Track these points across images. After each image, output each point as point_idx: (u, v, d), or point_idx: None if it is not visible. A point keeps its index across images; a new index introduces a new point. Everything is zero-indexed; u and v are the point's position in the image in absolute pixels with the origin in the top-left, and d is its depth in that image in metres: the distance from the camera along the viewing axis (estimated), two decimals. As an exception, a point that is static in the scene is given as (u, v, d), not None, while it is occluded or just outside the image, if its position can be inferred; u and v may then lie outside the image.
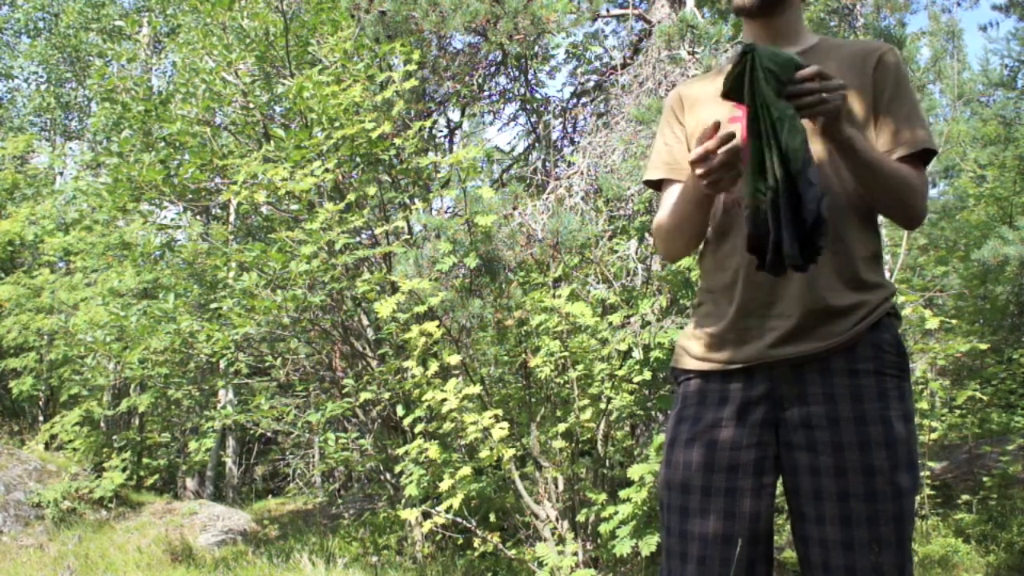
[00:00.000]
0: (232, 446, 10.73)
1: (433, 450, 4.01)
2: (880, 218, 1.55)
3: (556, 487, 4.20)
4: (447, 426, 3.89)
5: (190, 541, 6.08)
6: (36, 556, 5.64)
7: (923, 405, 5.22)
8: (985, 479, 5.43)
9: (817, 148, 1.42)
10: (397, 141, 5.02)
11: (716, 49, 4.42)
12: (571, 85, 7.73)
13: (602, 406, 3.98)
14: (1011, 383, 7.55)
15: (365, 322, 5.73)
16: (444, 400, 3.80)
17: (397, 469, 4.62)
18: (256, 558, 5.45)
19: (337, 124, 5.07)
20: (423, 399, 3.98)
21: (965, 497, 5.40)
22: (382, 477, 5.72)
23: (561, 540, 3.87)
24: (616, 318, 3.96)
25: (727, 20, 6.42)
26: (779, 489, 1.52)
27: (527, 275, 4.45)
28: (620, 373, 3.82)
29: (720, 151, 1.29)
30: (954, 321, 7.95)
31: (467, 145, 5.84)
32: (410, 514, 4.11)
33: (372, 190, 5.13)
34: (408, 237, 5.11)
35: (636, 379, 3.77)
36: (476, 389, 3.87)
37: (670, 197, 1.59)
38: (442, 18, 4.69)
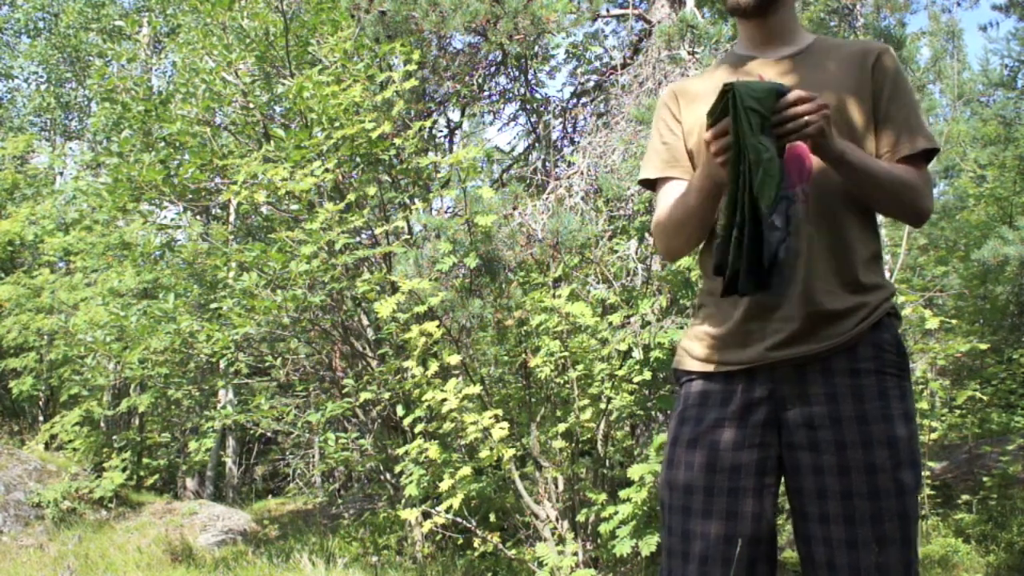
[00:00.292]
0: (232, 446, 10.73)
1: (433, 450, 4.01)
2: (880, 218, 1.55)
3: (556, 487, 4.21)
4: (447, 426, 3.89)
5: (190, 541, 6.08)
6: (36, 556, 5.64)
7: (923, 405, 5.22)
8: (985, 479, 5.44)
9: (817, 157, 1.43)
10: (397, 141, 5.02)
11: (716, 49, 4.42)
12: (571, 85, 7.74)
13: (602, 406, 3.98)
14: (1011, 383, 7.55)
15: (365, 322, 5.74)
16: (444, 400, 3.80)
17: (397, 469, 4.62)
18: (256, 558, 5.45)
19: (337, 124, 5.08)
20: (423, 399, 3.98)
21: (965, 497, 5.40)
22: (382, 477, 5.72)
23: (561, 540, 3.87)
24: (616, 318, 3.96)
25: (727, 20, 6.42)
26: (779, 489, 1.53)
27: (527, 275, 4.45)
28: (620, 373, 3.82)
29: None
30: (954, 321, 7.95)
31: (467, 145, 5.84)
32: (410, 514, 4.11)
33: (372, 190, 5.13)
34: (408, 237, 5.11)
35: (636, 379, 3.77)
36: (476, 389, 3.87)
37: (670, 194, 1.59)
38: (442, 18, 4.69)
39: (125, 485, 7.33)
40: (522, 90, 6.64)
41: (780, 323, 1.45)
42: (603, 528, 3.63)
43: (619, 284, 4.39)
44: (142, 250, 7.19)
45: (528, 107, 6.77)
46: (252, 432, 7.73)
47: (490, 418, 3.71)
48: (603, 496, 3.84)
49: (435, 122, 6.39)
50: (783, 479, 1.50)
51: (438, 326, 4.01)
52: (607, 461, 4.24)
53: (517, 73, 6.61)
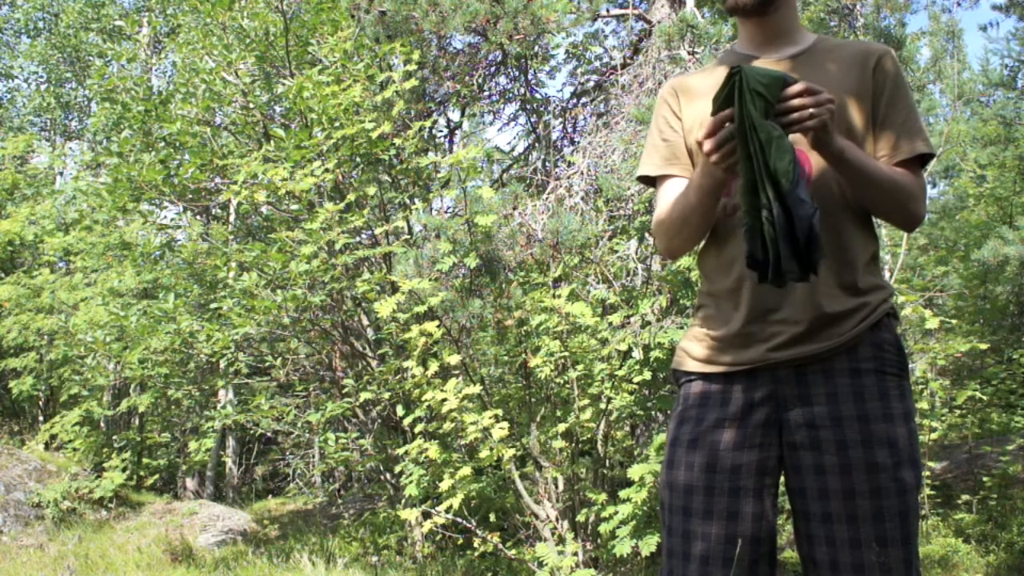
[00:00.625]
0: (232, 446, 10.73)
1: (433, 450, 4.01)
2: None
3: (556, 487, 4.21)
4: (447, 426, 3.89)
5: (190, 541, 6.08)
6: (36, 556, 5.64)
7: (923, 405, 5.22)
8: (985, 479, 5.44)
9: (817, 157, 1.43)
10: (397, 141, 5.03)
11: (716, 49, 4.42)
12: (571, 85, 7.73)
13: (602, 406, 3.98)
14: (1011, 383, 7.55)
15: (365, 322, 5.74)
16: (444, 400, 3.80)
17: (397, 469, 4.62)
18: (256, 558, 5.46)
19: (337, 124, 5.08)
20: (423, 399, 3.98)
21: (965, 497, 5.40)
22: (382, 477, 5.72)
23: (561, 540, 3.87)
24: (616, 318, 3.96)
25: (727, 20, 6.42)
26: (779, 490, 1.53)
27: (527, 275, 4.44)
28: (620, 373, 3.82)
29: (728, 125, 1.30)
30: (954, 321, 7.95)
31: (467, 145, 5.84)
32: (410, 514, 4.11)
33: (372, 190, 5.13)
34: (408, 237, 5.11)
35: (636, 379, 3.78)
36: (476, 389, 3.87)
37: (670, 192, 1.58)
38: (442, 18, 4.69)
39: (125, 485, 7.33)
40: (522, 90, 6.65)
41: (781, 325, 1.45)
42: (603, 528, 3.63)
43: (619, 284, 4.39)
44: (142, 250, 7.20)
45: (528, 107, 6.78)
46: (252, 432, 7.73)
47: (490, 418, 3.71)
48: (603, 496, 3.84)
49: (435, 122, 6.39)
50: (783, 479, 1.50)
51: (438, 326, 4.01)
52: (607, 461, 4.24)
53: (517, 73, 6.62)
